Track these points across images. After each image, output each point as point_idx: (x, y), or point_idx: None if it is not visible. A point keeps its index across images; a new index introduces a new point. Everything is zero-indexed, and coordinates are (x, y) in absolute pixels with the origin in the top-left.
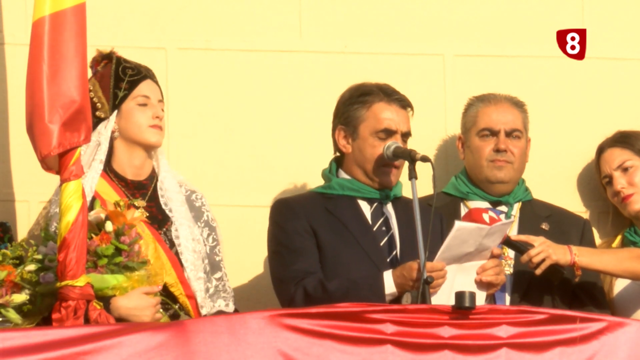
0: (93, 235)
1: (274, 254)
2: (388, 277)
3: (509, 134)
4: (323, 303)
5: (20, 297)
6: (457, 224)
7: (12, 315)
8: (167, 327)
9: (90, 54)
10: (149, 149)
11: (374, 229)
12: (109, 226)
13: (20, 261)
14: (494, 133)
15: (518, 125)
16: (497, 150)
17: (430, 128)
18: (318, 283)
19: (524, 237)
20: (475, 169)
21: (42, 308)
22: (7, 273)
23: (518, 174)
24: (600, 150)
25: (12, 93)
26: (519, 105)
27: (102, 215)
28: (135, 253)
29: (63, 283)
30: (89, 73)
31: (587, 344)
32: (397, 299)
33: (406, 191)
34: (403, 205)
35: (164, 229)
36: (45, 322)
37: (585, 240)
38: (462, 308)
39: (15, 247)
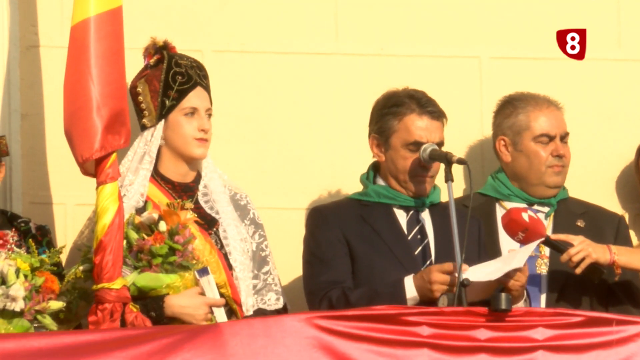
0: (145, 236)
1: (306, 264)
2: (409, 281)
3: (562, 139)
4: None
5: (57, 304)
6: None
7: (48, 321)
8: (203, 330)
9: (128, 57)
10: (193, 160)
11: (409, 237)
12: (162, 226)
13: (58, 267)
14: (551, 138)
15: (567, 129)
16: (557, 156)
17: (466, 130)
18: (341, 294)
19: (563, 237)
20: (531, 173)
21: (78, 313)
22: (44, 279)
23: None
24: None
25: (48, 96)
26: (559, 106)
27: (155, 216)
28: (189, 253)
29: (99, 286)
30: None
31: (624, 347)
32: (432, 302)
33: (442, 194)
34: (440, 211)
35: (214, 229)
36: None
37: (621, 236)
38: (498, 310)
39: (53, 253)
